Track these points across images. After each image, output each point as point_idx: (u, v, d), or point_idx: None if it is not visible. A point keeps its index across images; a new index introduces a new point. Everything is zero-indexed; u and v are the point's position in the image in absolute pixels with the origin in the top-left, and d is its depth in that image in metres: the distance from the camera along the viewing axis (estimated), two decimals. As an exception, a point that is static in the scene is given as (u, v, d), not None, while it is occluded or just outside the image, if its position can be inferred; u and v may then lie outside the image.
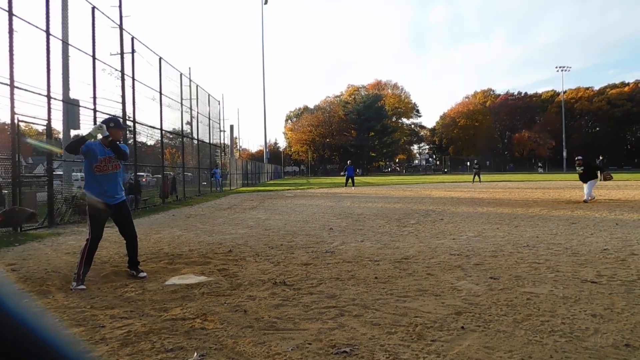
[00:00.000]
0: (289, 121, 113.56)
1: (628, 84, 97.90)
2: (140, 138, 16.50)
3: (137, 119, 15.42)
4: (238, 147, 74.49)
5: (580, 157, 14.51)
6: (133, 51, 15.35)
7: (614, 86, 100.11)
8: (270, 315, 3.68)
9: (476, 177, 34.18)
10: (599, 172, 14.08)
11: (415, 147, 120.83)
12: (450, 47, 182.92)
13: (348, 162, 29.87)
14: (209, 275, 5.19)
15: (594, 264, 5.35)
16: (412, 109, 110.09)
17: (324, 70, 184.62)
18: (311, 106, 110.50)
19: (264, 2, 54.69)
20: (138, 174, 16.15)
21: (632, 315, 3.51)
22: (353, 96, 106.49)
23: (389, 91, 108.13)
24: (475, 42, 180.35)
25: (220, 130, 37.11)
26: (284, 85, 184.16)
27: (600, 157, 30.52)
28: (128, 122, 14.99)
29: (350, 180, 27.76)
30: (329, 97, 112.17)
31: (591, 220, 9.51)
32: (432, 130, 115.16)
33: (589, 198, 13.84)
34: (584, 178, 14.14)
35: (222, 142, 40.61)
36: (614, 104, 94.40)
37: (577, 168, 14.39)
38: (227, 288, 4.60)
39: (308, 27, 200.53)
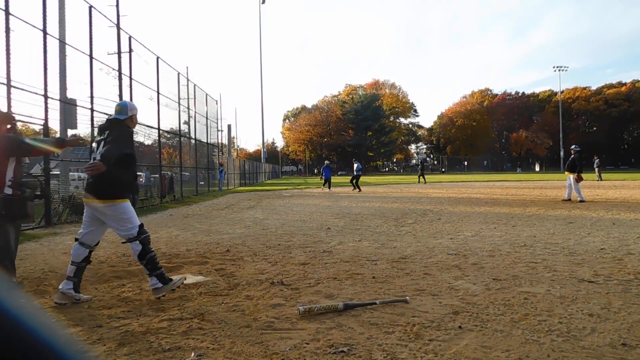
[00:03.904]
0: (287, 121, 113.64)
1: (625, 84, 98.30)
2: (138, 138, 16.46)
3: (135, 118, 15.38)
4: (235, 146, 74.40)
5: (579, 149, 14.56)
6: (130, 50, 15.32)
7: (611, 86, 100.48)
8: (267, 315, 3.68)
9: (421, 177, 34.28)
10: (577, 170, 14.12)
11: (412, 147, 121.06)
12: (449, 47, 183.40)
13: (325, 162, 29.05)
14: (207, 275, 5.19)
15: (591, 264, 5.37)
16: (409, 109, 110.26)
17: (322, 69, 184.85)
18: (309, 106, 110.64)
19: (261, 1, 54.63)
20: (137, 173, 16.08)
21: (629, 314, 3.53)
22: (351, 96, 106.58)
23: (387, 91, 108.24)
24: (473, 43, 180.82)
25: (218, 130, 37.04)
26: (282, 85, 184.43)
27: (596, 158, 30.51)
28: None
29: (326, 182, 26.57)
30: (326, 96, 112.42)
31: (588, 220, 9.53)
32: (430, 129, 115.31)
33: (579, 199, 13.90)
34: (571, 167, 14.21)
35: (219, 141, 40.56)
36: (611, 104, 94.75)
37: (572, 155, 14.48)
38: (225, 288, 4.59)
39: (306, 26, 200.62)
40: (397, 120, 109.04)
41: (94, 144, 4.36)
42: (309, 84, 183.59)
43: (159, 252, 6.72)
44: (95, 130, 12.55)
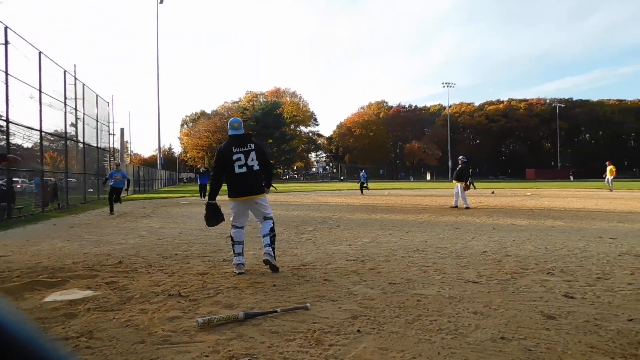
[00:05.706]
0: (185, 126, 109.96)
1: (502, 102, 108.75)
2: (15, 140, 14.90)
3: (11, 118, 13.93)
4: (129, 151, 70.46)
5: (466, 160, 15.89)
6: (6, 42, 13.84)
7: (491, 103, 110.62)
8: (164, 329, 3.50)
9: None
10: (466, 179, 15.65)
11: (312, 155, 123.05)
12: (350, 60, 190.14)
13: (116, 165, 16.72)
14: (96, 289, 4.82)
15: (475, 265, 5.83)
16: (310, 118, 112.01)
17: (222, 75, 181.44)
18: (208, 111, 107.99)
19: (159, 1, 52.47)
20: (13, 179, 14.56)
21: (507, 310, 3.88)
22: (252, 102, 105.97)
23: (288, 99, 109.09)
24: (373, 57, 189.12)
25: (110, 134, 34.84)
26: (180, 89, 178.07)
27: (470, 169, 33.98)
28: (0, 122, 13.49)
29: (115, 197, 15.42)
30: (227, 102, 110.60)
31: (472, 225, 10.35)
32: (330, 138, 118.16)
33: (465, 206, 15.13)
34: (459, 177, 15.49)
35: (111, 146, 38.10)
36: (491, 119, 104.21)
37: (460, 165, 15.75)
38: (117, 302, 4.30)
39: (208, 30, 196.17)
40: (298, 129, 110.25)
41: (240, 155, 5.60)
42: (209, 90, 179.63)
43: (40, 266, 6.12)
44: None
